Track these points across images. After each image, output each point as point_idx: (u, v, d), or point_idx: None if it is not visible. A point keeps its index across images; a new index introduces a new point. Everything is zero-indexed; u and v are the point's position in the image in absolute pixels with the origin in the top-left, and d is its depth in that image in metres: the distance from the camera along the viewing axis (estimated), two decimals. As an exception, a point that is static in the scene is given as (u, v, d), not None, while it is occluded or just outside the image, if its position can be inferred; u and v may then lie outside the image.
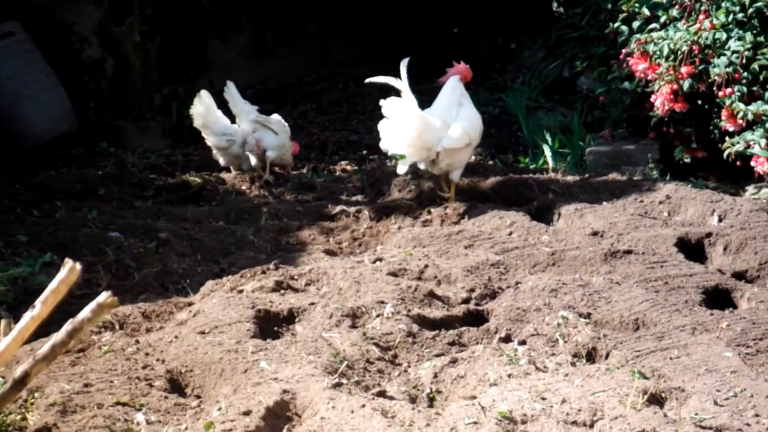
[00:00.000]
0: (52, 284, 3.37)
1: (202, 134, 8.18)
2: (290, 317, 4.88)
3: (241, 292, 5.15)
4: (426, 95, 9.44)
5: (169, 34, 10.41)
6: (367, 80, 6.96)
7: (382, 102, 6.75)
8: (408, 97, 6.69)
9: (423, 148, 6.74)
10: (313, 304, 4.93)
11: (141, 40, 9.75)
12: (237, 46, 11.22)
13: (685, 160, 7.52)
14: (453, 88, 6.96)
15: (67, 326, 3.37)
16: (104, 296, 3.30)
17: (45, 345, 3.43)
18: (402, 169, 6.92)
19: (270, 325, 4.78)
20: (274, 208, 7.08)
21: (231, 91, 8.07)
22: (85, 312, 3.32)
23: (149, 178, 7.98)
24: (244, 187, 7.77)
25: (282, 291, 5.18)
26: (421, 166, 6.97)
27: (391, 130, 6.73)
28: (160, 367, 4.36)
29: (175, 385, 4.27)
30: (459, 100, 6.93)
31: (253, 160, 7.90)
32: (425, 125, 6.72)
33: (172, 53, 10.37)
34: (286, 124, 8.07)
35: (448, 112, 6.87)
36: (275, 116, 8.08)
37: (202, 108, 8.10)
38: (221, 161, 8.18)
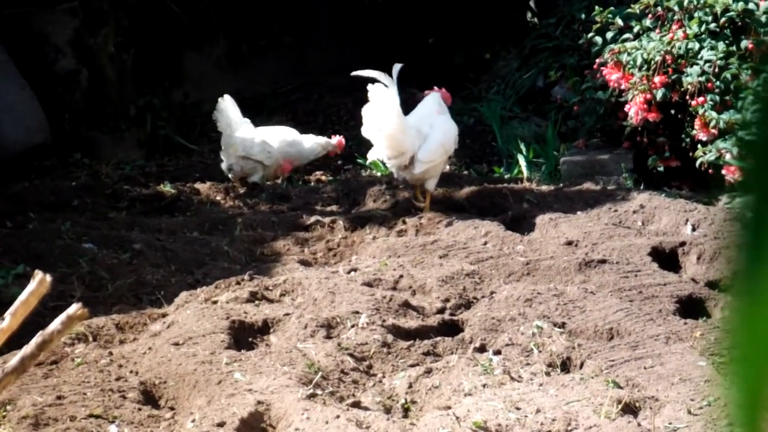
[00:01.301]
0: (22, 296, 3.34)
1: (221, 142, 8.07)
2: (265, 328, 4.87)
3: (215, 303, 5.13)
4: (402, 104, 9.46)
5: (144, 45, 10.39)
6: (354, 73, 6.99)
7: (370, 86, 6.77)
8: (393, 92, 6.76)
9: (398, 143, 6.76)
10: (287, 314, 4.92)
11: (116, 51, 9.72)
12: (212, 57, 11.22)
13: (659, 170, 7.55)
14: (433, 100, 7.04)
15: (37, 338, 3.34)
16: (74, 308, 3.27)
17: (14, 357, 3.41)
18: (372, 154, 7.15)
19: (244, 336, 4.77)
20: (248, 218, 7.07)
21: (226, 105, 7.90)
22: (55, 324, 3.30)
23: (123, 189, 7.95)
24: (218, 198, 7.75)
25: (256, 302, 5.17)
26: (394, 172, 6.99)
27: (373, 116, 6.77)
28: (134, 379, 4.34)
29: (149, 397, 4.25)
30: (438, 110, 6.98)
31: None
32: (402, 123, 6.78)
33: (147, 64, 10.35)
34: (272, 143, 7.97)
35: (427, 119, 6.93)
36: (260, 137, 7.97)
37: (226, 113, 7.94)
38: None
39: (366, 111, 6.83)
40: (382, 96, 6.75)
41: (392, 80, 6.80)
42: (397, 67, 6.87)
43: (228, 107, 7.89)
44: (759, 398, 0.96)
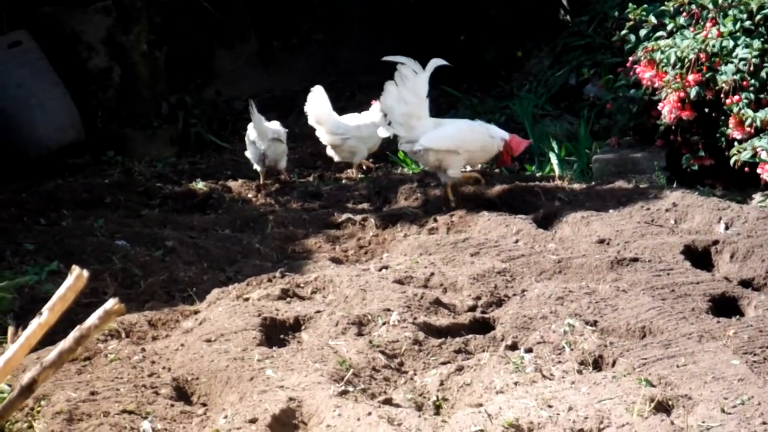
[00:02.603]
0: (60, 291, 3.37)
1: (316, 132, 8.33)
2: (296, 325, 4.88)
3: (247, 300, 5.15)
4: (432, 102, 9.45)
5: (176, 42, 10.44)
6: (386, 58, 7.19)
7: (399, 66, 7.06)
8: (422, 78, 7.05)
9: (413, 121, 7.05)
10: (319, 311, 4.93)
11: (148, 48, 9.77)
12: (243, 54, 11.25)
13: (693, 168, 7.50)
14: (485, 126, 7.26)
15: (75, 333, 3.37)
16: (111, 303, 3.30)
17: (52, 352, 3.43)
18: (384, 132, 7.29)
19: (276, 333, 4.78)
20: (280, 216, 7.09)
21: (253, 110, 8.03)
22: (93, 319, 3.33)
23: (156, 186, 7.99)
24: (250, 195, 7.78)
25: (288, 299, 5.18)
26: (409, 155, 7.24)
27: (397, 91, 7.03)
28: (166, 375, 4.36)
29: (181, 393, 4.27)
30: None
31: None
32: (422, 106, 7.07)
33: (179, 62, 10.40)
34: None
35: (461, 128, 7.21)
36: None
37: (316, 104, 8.24)
38: (336, 158, 8.32)
39: (390, 84, 7.03)
40: (410, 76, 6.99)
41: (422, 69, 7.03)
42: (434, 62, 7.09)
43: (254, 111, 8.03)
44: None
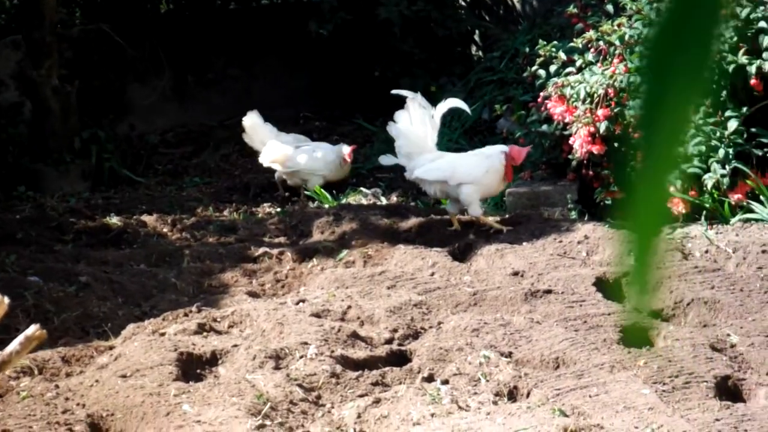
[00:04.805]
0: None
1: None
2: (213, 359, 4.86)
3: (163, 335, 5.12)
4: (347, 137, 9.51)
5: (88, 77, 10.36)
6: (395, 91, 7.68)
7: (410, 97, 7.44)
8: (433, 112, 7.41)
9: (419, 148, 7.35)
10: (236, 345, 4.92)
11: (60, 83, 9.68)
12: (157, 89, 11.20)
13: (605, 202, 7.64)
14: (491, 153, 7.31)
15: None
16: (32, 329, 3.27)
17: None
18: (386, 160, 7.55)
19: (193, 368, 4.76)
20: (196, 250, 7.05)
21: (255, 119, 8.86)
22: (14, 345, 3.29)
23: (69, 221, 7.90)
24: (165, 230, 7.73)
25: (205, 333, 5.16)
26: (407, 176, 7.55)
27: (406, 118, 7.40)
28: (81, 412, 4.31)
29: (96, 430, 4.22)
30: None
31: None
32: (431, 134, 7.42)
33: (91, 96, 10.32)
34: None
35: (457, 158, 7.42)
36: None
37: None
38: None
39: (398, 115, 7.40)
40: (420, 108, 7.35)
41: (429, 104, 7.43)
42: (450, 102, 7.57)
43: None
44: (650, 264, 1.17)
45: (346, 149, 8.67)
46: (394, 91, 7.60)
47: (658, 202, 1.12)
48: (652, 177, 1.11)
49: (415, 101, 7.35)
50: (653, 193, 1.11)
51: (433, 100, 7.62)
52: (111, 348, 5.13)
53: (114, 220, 7.95)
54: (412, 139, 7.34)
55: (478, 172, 7.20)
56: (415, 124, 7.33)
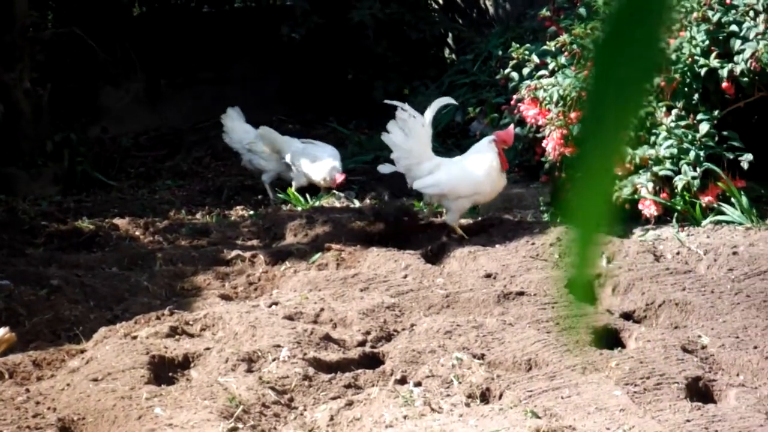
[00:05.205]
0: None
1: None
2: (185, 363, 4.85)
3: (135, 338, 5.10)
4: (321, 140, 9.50)
5: (60, 80, 10.31)
6: (388, 101, 7.52)
7: (400, 107, 7.30)
8: (425, 121, 7.25)
9: (407, 154, 7.25)
10: (208, 348, 4.90)
11: (31, 86, 9.63)
12: (130, 92, 11.18)
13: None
14: (481, 149, 7.18)
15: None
16: (2, 331, 3.25)
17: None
18: (384, 169, 7.41)
19: (165, 371, 4.74)
20: (168, 253, 7.03)
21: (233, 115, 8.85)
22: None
23: (40, 225, 7.86)
24: (137, 233, 7.70)
25: (177, 336, 5.15)
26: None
27: (398, 131, 7.28)
28: (52, 416, 4.29)
29: (68, 434, 4.21)
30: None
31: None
32: (427, 145, 7.26)
33: (63, 99, 10.27)
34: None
35: (456, 171, 7.21)
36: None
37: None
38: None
39: (390, 125, 7.30)
40: (413, 116, 7.23)
41: (420, 114, 7.27)
42: (439, 101, 7.42)
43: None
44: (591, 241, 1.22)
45: (339, 177, 8.55)
46: (386, 101, 7.50)
47: (599, 200, 1.15)
48: (591, 175, 1.13)
49: (405, 112, 7.26)
50: (593, 190, 1.14)
51: (411, 104, 7.59)
52: (82, 351, 5.11)
53: (86, 223, 7.91)
54: (408, 150, 7.26)
55: (477, 179, 7.12)
56: (410, 135, 7.24)
